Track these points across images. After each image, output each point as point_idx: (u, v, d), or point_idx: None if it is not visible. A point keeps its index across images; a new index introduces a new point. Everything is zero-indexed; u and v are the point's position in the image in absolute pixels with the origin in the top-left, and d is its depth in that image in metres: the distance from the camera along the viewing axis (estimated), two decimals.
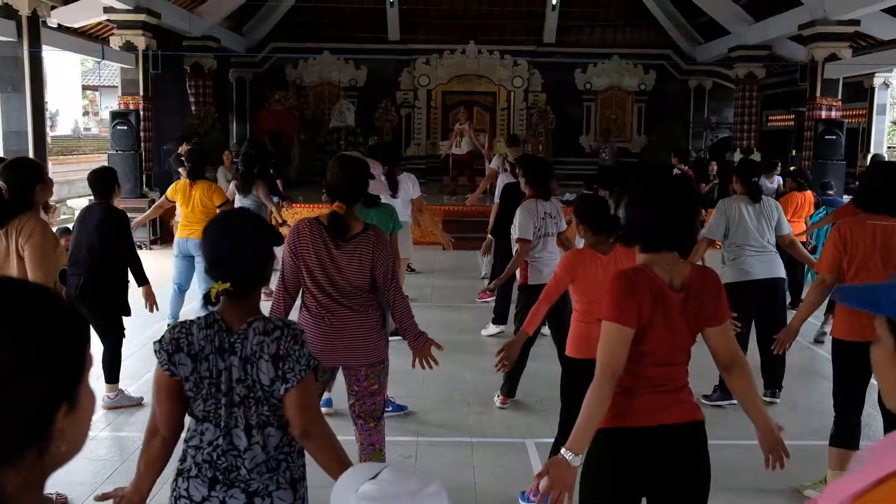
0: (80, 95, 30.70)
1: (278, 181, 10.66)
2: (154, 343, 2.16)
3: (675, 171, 2.39)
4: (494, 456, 4.68)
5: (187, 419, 2.28)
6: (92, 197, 5.50)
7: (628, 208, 2.51)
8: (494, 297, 7.54)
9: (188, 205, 7.03)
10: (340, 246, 3.42)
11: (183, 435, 2.27)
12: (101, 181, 5.32)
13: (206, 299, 2.12)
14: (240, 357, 2.10)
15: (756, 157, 16.09)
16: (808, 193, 8.85)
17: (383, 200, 5.42)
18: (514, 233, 5.44)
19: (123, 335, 5.40)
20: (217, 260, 2.11)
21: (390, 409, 5.24)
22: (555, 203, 5.64)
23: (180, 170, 12.13)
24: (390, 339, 3.81)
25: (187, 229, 6.98)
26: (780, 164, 14.18)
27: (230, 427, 2.12)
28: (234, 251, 2.12)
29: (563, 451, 2.25)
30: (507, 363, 3.94)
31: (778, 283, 5.50)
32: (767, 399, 5.44)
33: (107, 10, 12.05)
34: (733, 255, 5.42)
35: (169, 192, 7.20)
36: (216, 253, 2.12)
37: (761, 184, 13.95)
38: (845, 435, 3.96)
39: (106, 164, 12.67)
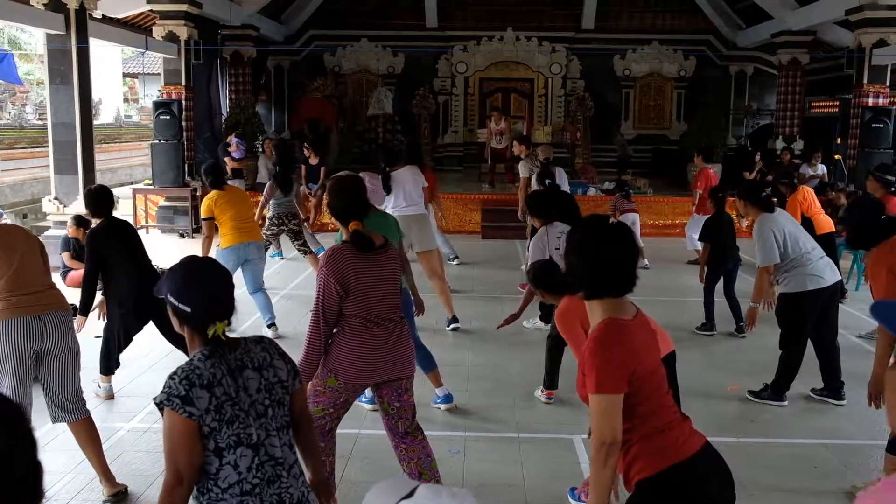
0: (120, 83, 31.13)
1: (322, 168, 10.76)
2: (160, 396, 2.12)
3: (612, 219, 2.61)
4: (542, 452, 4.70)
5: None
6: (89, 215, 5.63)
7: (568, 257, 2.50)
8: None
9: (239, 207, 6.90)
10: (376, 259, 3.48)
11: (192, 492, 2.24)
12: (107, 197, 5.35)
13: (216, 341, 2.20)
14: (253, 368, 2.23)
15: (798, 144, 15.83)
16: (804, 189, 8.53)
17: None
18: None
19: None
20: (217, 302, 2.25)
21: (440, 400, 5.30)
22: (560, 226, 5.93)
23: (226, 159, 12.29)
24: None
25: (246, 234, 6.82)
26: (821, 153, 13.97)
27: (263, 439, 2.18)
28: (227, 292, 2.31)
29: None
30: None
31: (839, 285, 5.52)
32: (834, 402, 5.40)
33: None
34: (800, 265, 5.32)
35: (205, 211, 6.87)
36: (217, 296, 2.26)
37: (804, 171, 13.69)
38: None
39: (150, 153, 12.89)
